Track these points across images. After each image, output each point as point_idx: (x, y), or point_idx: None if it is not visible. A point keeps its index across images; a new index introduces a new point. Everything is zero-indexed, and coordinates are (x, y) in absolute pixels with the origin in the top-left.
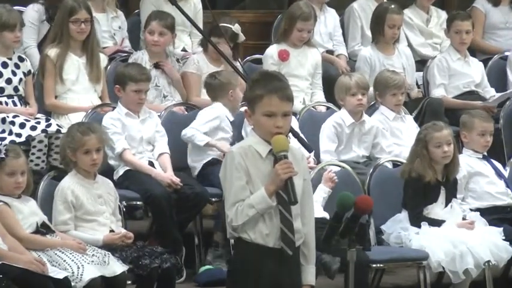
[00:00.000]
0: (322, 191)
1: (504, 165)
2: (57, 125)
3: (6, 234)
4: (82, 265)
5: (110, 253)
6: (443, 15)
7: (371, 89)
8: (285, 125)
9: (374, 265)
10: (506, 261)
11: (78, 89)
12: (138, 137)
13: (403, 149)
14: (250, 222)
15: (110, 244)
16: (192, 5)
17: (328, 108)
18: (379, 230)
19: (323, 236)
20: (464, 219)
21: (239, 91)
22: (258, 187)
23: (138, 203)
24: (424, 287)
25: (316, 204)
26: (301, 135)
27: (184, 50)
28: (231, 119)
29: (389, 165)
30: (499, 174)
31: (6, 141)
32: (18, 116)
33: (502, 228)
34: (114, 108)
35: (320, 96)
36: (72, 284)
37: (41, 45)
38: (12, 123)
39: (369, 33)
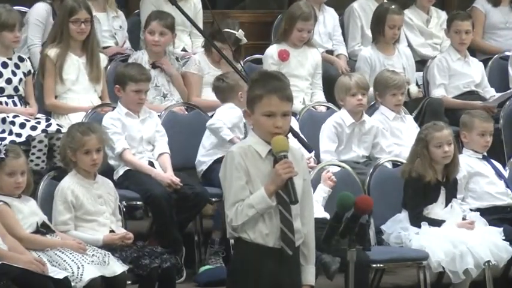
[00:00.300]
0: (322, 191)
1: (504, 166)
2: (57, 125)
3: (6, 234)
4: (82, 265)
5: (109, 253)
6: (443, 15)
7: (371, 89)
8: (285, 125)
9: (374, 265)
10: (506, 261)
11: (78, 89)
12: (138, 137)
13: (403, 149)
14: (250, 222)
15: (110, 244)
16: (192, 5)
17: (328, 108)
18: (379, 230)
19: (323, 236)
20: (464, 219)
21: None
22: (258, 187)
23: (138, 203)
24: (424, 287)
25: (316, 204)
26: (301, 135)
27: (184, 50)
28: (244, 120)
29: (390, 165)
30: (499, 175)
31: (6, 141)
32: (19, 116)
33: (502, 228)
34: (114, 108)
35: (320, 96)
36: (72, 284)
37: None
38: (13, 123)
39: (369, 33)
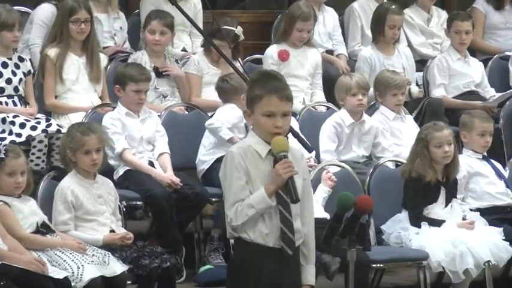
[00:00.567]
0: (322, 191)
1: (504, 166)
2: (57, 125)
3: (6, 234)
4: (82, 265)
5: (110, 253)
6: (444, 15)
7: (371, 89)
8: (285, 125)
9: (374, 265)
10: (506, 261)
11: (78, 89)
12: (138, 136)
13: (403, 149)
14: (249, 222)
15: (110, 244)
16: (192, 5)
17: (328, 108)
18: (379, 230)
19: (323, 236)
20: (464, 219)
21: None
22: (258, 187)
23: (138, 203)
24: (424, 287)
25: (316, 205)
26: (301, 135)
27: (184, 50)
28: (244, 121)
29: (390, 165)
30: (499, 175)
31: (7, 141)
32: (19, 116)
33: (502, 228)
34: (114, 108)
35: (320, 96)
36: (72, 284)
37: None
38: (13, 123)
39: (369, 33)
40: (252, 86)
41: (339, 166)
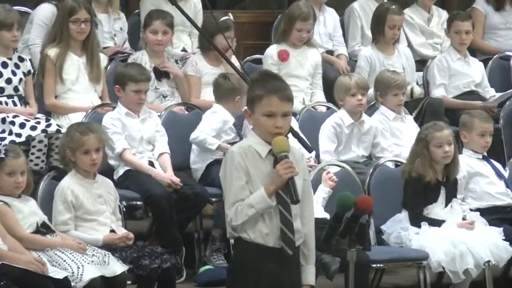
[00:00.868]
0: (323, 191)
1: (504, 166)
2: (57, 125)
3: (6, 234)
4: (82, 265)
5: (109, 253)
6: (444, 14)
7: (371, 89)
8: (285, 125)
9: (374, 265)
10: (506, 261)
11: (78, 89)
12: (138, 136)
13: (403, 149)
14: (249, 221)
15: (110, 244)
16: (192, 5)
17: (328, 108)
18: (379, 230)
19: (323, 236)
20: (464, 219)
21: (245, 100)
22: (258, 187)
23: (138, 203)
24: (424, 287)
25: (316, 205)
26: (301, 135)
27: (184, 50)
28: (232, 121)
29: (390, 165)
30: (499, 175)
31: (6, 141)
32: (18, 116)
33: (502, 228)
34: (114, 108)
35: (320, 96)
36: (72, 284)
37: None
38: (12, 123)
39: (369, 33)
40: (253, 86)
41: (339, 166)
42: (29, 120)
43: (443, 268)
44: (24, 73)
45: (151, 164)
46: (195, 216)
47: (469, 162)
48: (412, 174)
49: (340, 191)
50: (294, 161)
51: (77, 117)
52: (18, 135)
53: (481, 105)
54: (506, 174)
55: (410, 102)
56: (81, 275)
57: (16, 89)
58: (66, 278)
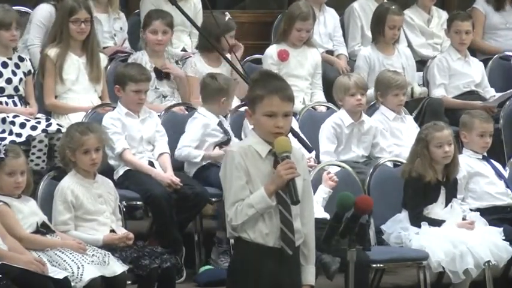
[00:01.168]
0: (323, 192)
1: (504, 166)
2: (57, 124)
3: (6, 234)
4: (82, 265)
5: (109, 253)
6: (444, 15)
7: (371, 89)
8: (286, 125)
9: (374, 265)
10: (506, 261)
11: (78, 89)
12: (138, 136)
13: (403, 149)
14: (249, 221)
15: (109, 244)
16: (192, 5)
17: (328, 108)
18: (379, 230)
19: (323, 236)
20: (464, 219)
21: (231, 101)
22: (258, 187)
23: (138, 203)
24: (424, 287)
25: (316, 205)
26: (302, 135)
27: (184, 50)
28: (216, 121)
29: (390, 165)
30: (499, 175)
31: (7, 141)
32: (19, 116)
33: (502, 228)
34: (114, 108)
35: (320, 96)
36: (72, 284)
37: None
38: (13, 123)
39: (369, 33)
40: (253, 86)
41: (339, 166)
42: (29, 120)
43: (443, 268)
44: (24, 73)
45: (151, 164)
46: (195, 216)
47: (469, 162)
48: (412, 174)
49: (340, 191)
50: (294, 161)
51: (77, 117)
52: (19, 135)
53: (481, 105)
54: (506, 174)
55: (410, 102)
56: (81, 275)
57: (16, 89)
58: (66, 278)
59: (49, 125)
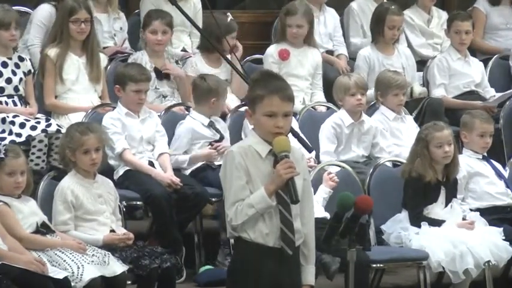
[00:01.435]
0: (323, 192)
1: (504, 166)
2: (57, 125)
3: (6, 234)
4: (82, 265)
5: (109, 253)
6: (444, 15)
7: (371, 89)
8: (286, 125)
9: (374, 265)
10: (506, 261)
11: (78, 89)
12: (138, 136)
13: (403, 149)
14: (249, 221)
15: (109, 244)
16: (192, 5)
17: (328, 108)
18: (379, 230)
19: (323, 236)
20: (464, 219)
21: (223, 102)
22: (258, 187)
23: (138, 203)
24: (424, 287)
25: (316, 205)
26: (302, 135)
27: (184, 50)
28: (206, 121)
29: (390, 165)
30: (499, 175)
31: (6, 141)
32: (18, 116)
33: (502, 228)
34: (114, 108)
35: (320, 96)
36: (72, 284)
37: None
38: (12, 123)
39: (369, 33)
40: (254, 86)
41: (339, 166)
42: (29, 120)
43: (443, 268)
44: (24, 73)
45: (151, 164)
46: (195, 216)
47: (469, 162)
48: (412, 174)
49: (340, 191)
50: (294, 161)
51: (77, 117)
52: (18, 135)
53: (481, 105)
54: (506, 174)
55: (410, 102)
56: (81, 275)
57: (16, 88)
58: (66, 278)
59: (49, 125)
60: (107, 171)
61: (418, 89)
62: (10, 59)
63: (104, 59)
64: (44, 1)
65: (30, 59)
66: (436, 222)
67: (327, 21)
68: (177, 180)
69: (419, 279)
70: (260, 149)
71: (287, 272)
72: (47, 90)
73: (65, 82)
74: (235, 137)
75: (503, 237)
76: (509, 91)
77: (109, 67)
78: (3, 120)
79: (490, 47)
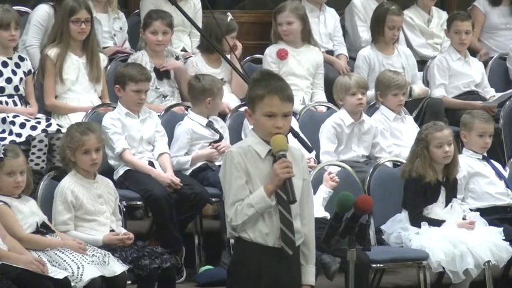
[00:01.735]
0: (323, 192)
1: (504, 166)
2: (57, 124)
3: (6, 234)
4: (82, 265)
5: (109, 253)
6: (444, 15)
7: (371, 89)
8: (285, 126)
9: (374, 265)
10: (506, 261)
11: (78, 89)
12: (138, 137)
13: (403, 149)
14: (249, 221)
15: (109, 244)
16: (192, 5)
17: (328, 108)
18: (379, 230)
19: (323, 236)
20: (464, 219)
21: (219, 101)
22: (258, 187)
23: (138, 203)
24: (424, 287)
25: (317, 205)
26: (302, 135)
27: (184, 50)
28: (205, 122)
29: (390, 165)
30: (499, 175)
31: (7, 141)
32: (19, 116)
33: (502, 228)
34: (114, 108)
35: (321, 96)
36: (72, 284)
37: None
38: (13, 123)
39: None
40: (253, 86)
41: (339, 166)
42: (29, 120)
43: (443, 268)
44: (24, 72)
45: (151, 164)
46: (195, 216)
47: (469, 162)
48: (412, 175)
49: (340, 191)
50: (294, 161)
51: (77, 117)
52: (19, 135)
53: (481, 105)
54: (506, 174)
55: (410, 102)
56: (81, 275)
57: (16, 88)
58: (66, 278)
59: (49, 125)
60: (107, 171)
61: (417, 90)
62: (10, 58)
63: (104, 59)
64: (42, 1)
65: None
66: (436, 222)
67: (327, 21)
68: (177, 180)
69: (419, 279)
70: (259, 149)
71: (287, 272)
72: (47, 90)
73: (65, 82)
74: (235, 137)
75: (503, 237)
76: (509, 91)
77: (109, 67)
78: (4, 120)
79: (480, 48)
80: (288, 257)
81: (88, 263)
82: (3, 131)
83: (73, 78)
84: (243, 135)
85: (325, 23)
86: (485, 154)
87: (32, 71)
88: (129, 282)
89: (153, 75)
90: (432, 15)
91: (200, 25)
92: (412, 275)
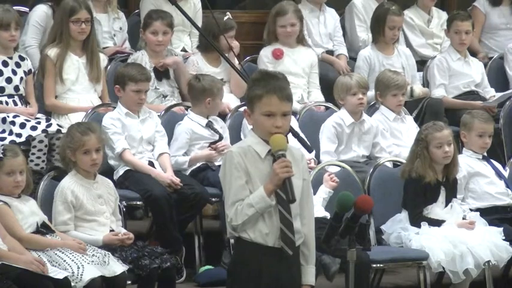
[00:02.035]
0: (323, 192)
1: (504, 166)
2: (57, 125)
3: (6, 234)
4: (82, 265)
5: (110, 253)
6: (444, 15)
7: (371, 90)
8: (284, 125)
9: (374, 265)
10: (506, 261)
11: (78, 89)
12: (138, 137)
13: (403, 149)
14: (249, 221)
15: (109, 244)
16: (192, 5)
17: (328, 108)
18: (379, 230)
19: (323, 236)
20: (464, 219)
21: (219, 101)
22: (258, 187)
23: (138, 203)
24: (424, 287)
25: (317, 205)
26: (302, 135)
27: (184, 50)
28: (204, 122)
29: (390, 165)
30: (499, 175)
31: (7, 141)
32: (19, 116)
33: (502, 228)
34: (114, 108)
35: (317, 94)
36: (72, 284)
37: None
38: (13, 123)
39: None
40: (252, 86)
41: (339, 166)
42: (29, 120)
43: (443, 268)
44: (25, 72)
45: (151, 164)
46: (195, 216)
47: (469, 162)
48: (412, 175)
49: (340, 191)
50: (294, 161)
51: (77, 117)
52: (19, 135)
53: (481, 105)
54: (506, 174)
55: (411, 102)
56: (81, 275)
57: (17, 88)
58: (66, 278)
59: (49, 125)
60: (107, 171)
61: (418, 90)
62: (11, 58)
63: (103, 59)
64: (40, 2)
65: None
66: (436, 222)
67: (327, 21)
68: (177, 180)
69: (419, 279)
70: (259, 149)
71: (287, 272)
72: (47, 90)
73: (65, 82)
74: (235, 137)
75: (503, 237)
76: (509, 91)
77: (109, 67)
78: (4, 120)
79: (479, 48)
80: (288, 257)
81: (88, 263)
82: (3, 131)
83: (73, 78)
84: (242, 135)
85: (325, 23)
86: (485, 154)
87: (32, 70)
88: (129, 282)
89: (152, 75)
90: (432, 16)
91: (200, 25)
92: (412, 275)
